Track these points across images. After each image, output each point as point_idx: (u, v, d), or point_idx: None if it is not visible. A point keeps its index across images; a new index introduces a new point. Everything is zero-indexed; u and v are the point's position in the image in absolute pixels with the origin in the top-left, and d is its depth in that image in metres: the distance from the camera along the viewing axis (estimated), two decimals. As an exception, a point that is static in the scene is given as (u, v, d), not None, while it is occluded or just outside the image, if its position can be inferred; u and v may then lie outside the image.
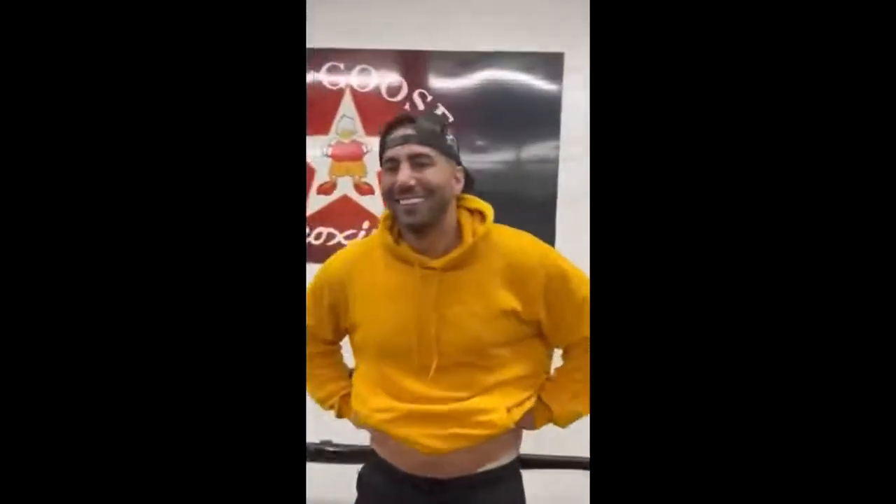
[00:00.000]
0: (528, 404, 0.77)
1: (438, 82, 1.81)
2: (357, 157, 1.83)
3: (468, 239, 0.75)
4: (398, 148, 0.73)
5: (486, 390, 0.74)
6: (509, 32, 1.77)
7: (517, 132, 1.77)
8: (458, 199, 0.81)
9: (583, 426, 0.74)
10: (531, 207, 1.74)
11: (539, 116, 1.76)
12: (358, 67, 1.82)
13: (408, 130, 0.73)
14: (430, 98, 1.80)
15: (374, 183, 1.82)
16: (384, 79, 1.82)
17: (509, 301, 0.74)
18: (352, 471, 1.28)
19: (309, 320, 0.86)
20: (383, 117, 1.81)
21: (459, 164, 0.78)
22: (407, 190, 0.72)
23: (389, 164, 0.74)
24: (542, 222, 1.72)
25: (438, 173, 0.73)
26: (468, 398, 0.73)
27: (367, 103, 1.82)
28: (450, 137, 0.76)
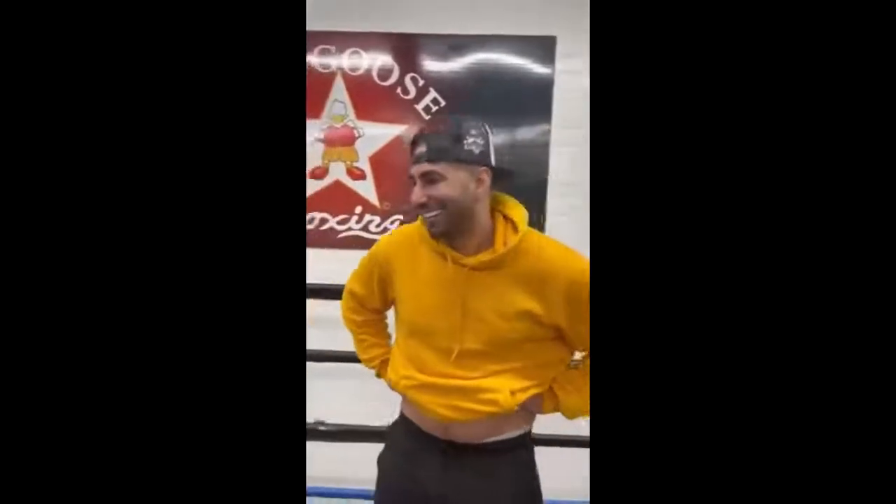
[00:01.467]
0: (535, 391, 0.84)
1: (430, 65, 1.80)
2: (349, 141, 1.83)
3: (499, 248, 0.81)
4: (413, 167, 0.80)
5: (495, 373, 0.82)
6: (502, 15, 1.77)
7: (508, 116, 1.78)
8: (498, 202, 0.86)
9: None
10: (521, 191, 1.74)
11: (530, 100, 1.77)
12: (349, 50, 1.81)
13: (420, 148, 0.79)
14: (421, 82, 1.80)
15: (366, 168, 1.83)
16: (376, 62, 1.81)
17: (529, 304, 0.80)
18: (342, 449, 1.32)
19: (360, 290, 0.97)
20: (375, 101, 1.84)
21: (486, 163, 0.81)
22: (421, 206, 0.79)
23: (411, 181, 0.81)
24: (532, 206, 1.74)
25: (449, 186, 0.78)
26: (479, 378, 0.81)
27: (358, 87, 1.82)
28: (469, 141, 0.79)
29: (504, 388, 0.80)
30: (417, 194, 0.79)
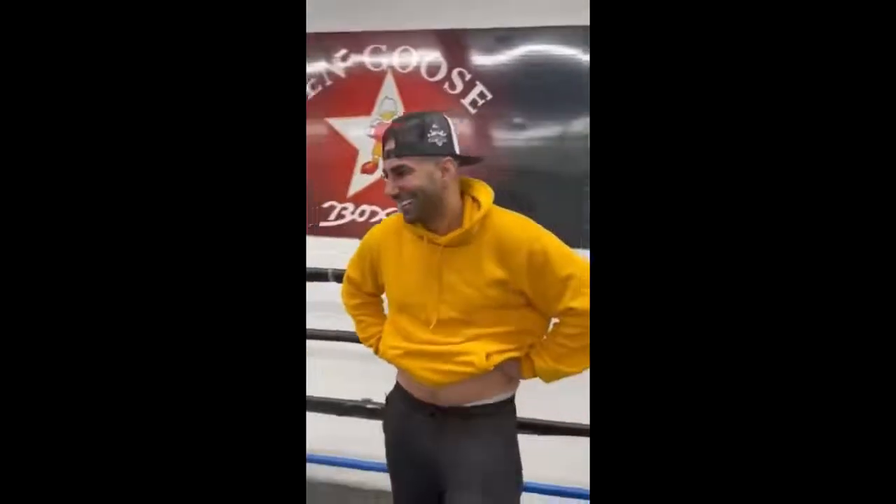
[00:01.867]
0: (510, 355, 0.91)
1: (477, 59, 1.83)
2: (398, 136, 1.89)
3: (466, 224, 0.90)
4: (384, 162, 0.90)
5: (473, 338, 0.89)
6: (547, 7, 1.76)
7: (554, 108, 1.78)
8: (468, 186, 0.96)
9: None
10: (567, 183, 1.75)
11: (577, 92, 1.75)
12: (400, 49, 1.87)
13: (389, 145, 0.89)
14: (468, 76, 1.83)
15: (415, 161, 1.89)
16: (424, 58, 1.86)
17: (497, 272, 0.88)
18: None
19: (356, 276, 1.08)
20: (424, 97, 1.89)
21: (450, 153, 0.90)
22: (395, 197, 0.90)
23: (384, 175, 0.93)
24: (577, 198, 1.73)
25: (416, 177, 0.87)
26: (459, 343, 0.90)
27: (408, 84, 1.88)
28: (432, 135, 0.88)
29: (479, 351, 0.88)
30: (390, 186, 0.89)
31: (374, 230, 1.05)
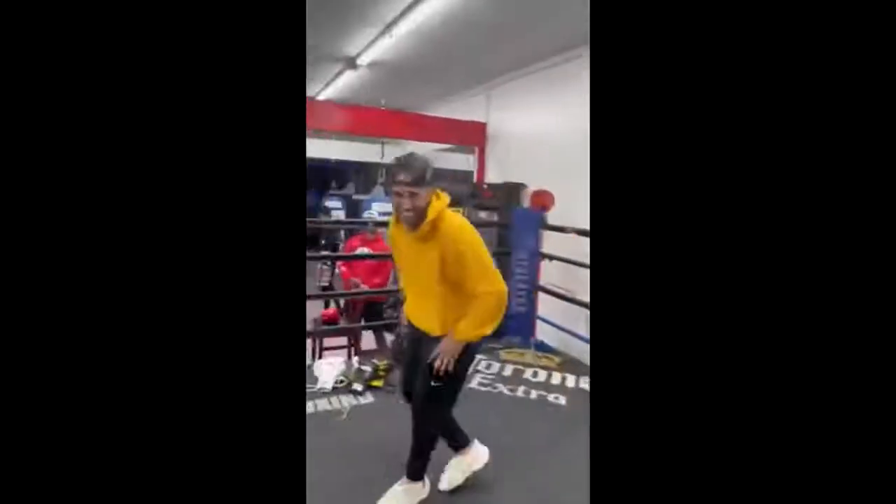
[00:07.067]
0: (446, 320, 1.48)
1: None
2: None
3: (424, 227, 1.40)
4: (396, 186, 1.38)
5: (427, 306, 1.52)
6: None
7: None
8: (437, 195, 1.44)
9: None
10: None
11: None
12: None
13: (403, 176, 1.36)
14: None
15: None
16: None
17: (437, 260, 1.40)
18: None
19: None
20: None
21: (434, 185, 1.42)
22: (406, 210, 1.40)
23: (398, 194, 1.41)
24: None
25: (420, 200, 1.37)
26: (421, 310, 1.57)
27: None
28: (429, 173, 1.37)
29: (435, 319, 1.50)
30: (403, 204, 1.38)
31: (390, 224, 1.56)
